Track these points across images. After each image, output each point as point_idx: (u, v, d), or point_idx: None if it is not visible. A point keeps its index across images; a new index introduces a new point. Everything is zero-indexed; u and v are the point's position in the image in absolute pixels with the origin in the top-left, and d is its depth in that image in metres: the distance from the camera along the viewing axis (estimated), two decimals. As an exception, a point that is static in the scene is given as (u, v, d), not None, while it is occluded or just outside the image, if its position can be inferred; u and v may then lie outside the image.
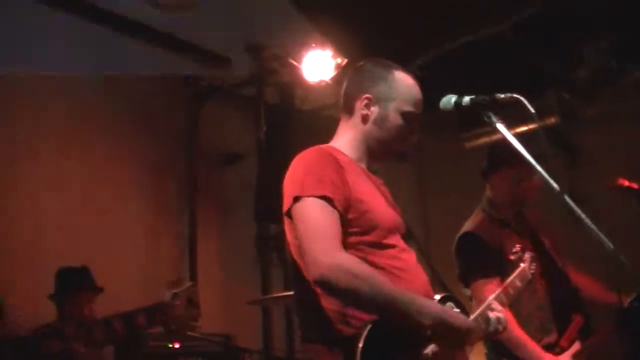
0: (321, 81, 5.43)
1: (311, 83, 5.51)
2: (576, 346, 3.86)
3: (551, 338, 3.89)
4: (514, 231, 4.07)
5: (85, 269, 4.33)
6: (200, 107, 5.92)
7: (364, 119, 2.79)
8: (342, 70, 5.29)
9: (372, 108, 2.79)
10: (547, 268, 3.92)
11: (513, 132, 2.58)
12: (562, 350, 3.87)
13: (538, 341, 3.86)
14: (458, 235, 4.09)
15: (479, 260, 3.88)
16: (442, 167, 7.47)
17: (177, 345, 4.40)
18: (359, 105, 2.80)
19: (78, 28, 4.82)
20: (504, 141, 2.58)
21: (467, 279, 3.99)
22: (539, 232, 4.25)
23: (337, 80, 5.27)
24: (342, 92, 2.90)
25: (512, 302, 3.33)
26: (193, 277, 5.45)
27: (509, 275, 3.21)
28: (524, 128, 6.30)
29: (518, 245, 3.34)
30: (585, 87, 6.22)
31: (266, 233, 5.61)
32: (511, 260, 3.63)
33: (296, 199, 2.51)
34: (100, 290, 4.33)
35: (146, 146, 5.57)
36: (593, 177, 4.38)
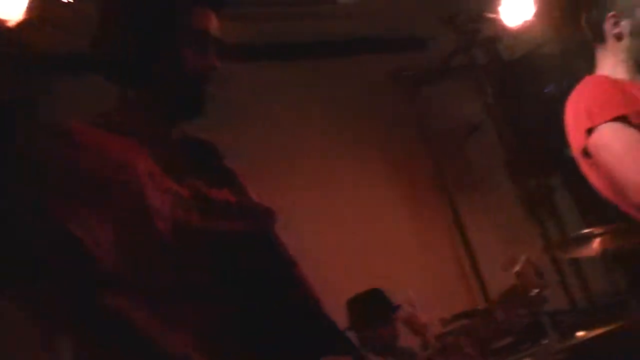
0: (525, 22, 5.21)
1: (515, 28, 5.30)
2: None
3: None
4: None
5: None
6: (419, 92, 5.88)
7: (618, 37, 2.63)
8: (540, 4, 5.04)
9: (622, 23, 2.64)
10: None
11: None
12: None
13: None
14: None
15: None
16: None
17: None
18: (608, 27, 2.64)
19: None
20: None
21: None
22: None
23: (540, 15, 5.03)
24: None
25: None
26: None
27: None
28: None
29: None
30: None
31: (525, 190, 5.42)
32: None
33: (589, 131, 2.37)
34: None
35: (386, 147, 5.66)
36: None
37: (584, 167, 2.49)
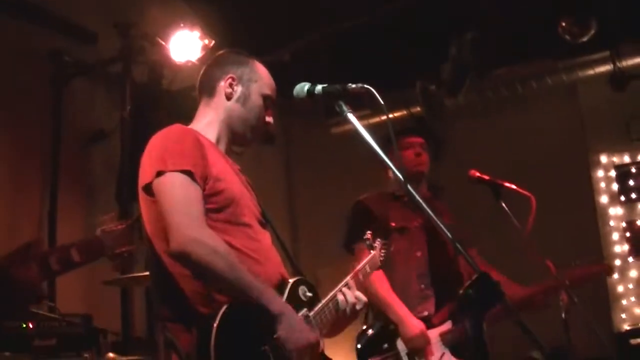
0: (188, 61, 5.40)
1: (178, 63, 5.47)
2: (447, 325, 4.10)
3: (428, 308, 4.17)
4: (406, 205, 4.34)
5: None
6: (66, 83, 5.72)
7: (228, 96, 2.93)
8: (209, 52, 5.28)
9: (236, 87, 2.95)
10: (432, 241, 4.22)
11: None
12: (433, 326, 4.09)
13: (414, 308, 4.10)
14: None
15: (360, 226, 4.05)
16: (310, 152, 7.57)
17: (31, 326, 4.24)
18: (224, 85, 2.95)
19: None
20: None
21: (348, 245, 4.29)
22: (438, 212, 4.42)
23: (204, 61, 5.24)
24: (203, 76, 3.03)
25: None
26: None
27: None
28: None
29: (369, 233, 3.46)
30: (449, 80, 6.46)
31: (129, 213, 5.51)
32: (394, 227, 4.10)
33: (159, 173, 2.56)
34: None
35: (6, 122, 5.34)
36: (458, 168, 4.55)
37: (142, 200, 2.69)
